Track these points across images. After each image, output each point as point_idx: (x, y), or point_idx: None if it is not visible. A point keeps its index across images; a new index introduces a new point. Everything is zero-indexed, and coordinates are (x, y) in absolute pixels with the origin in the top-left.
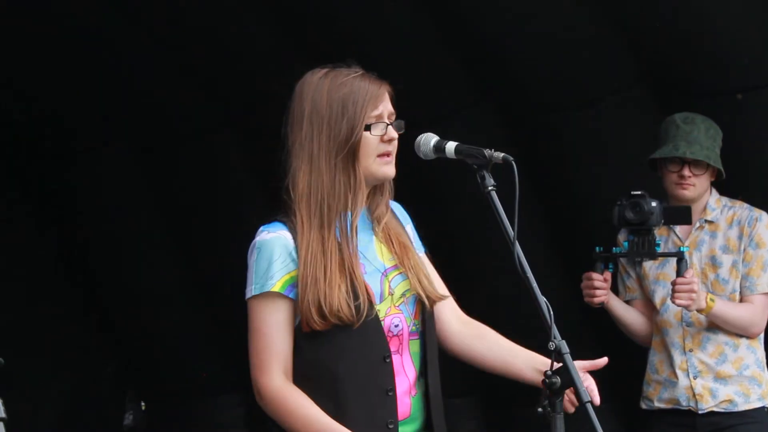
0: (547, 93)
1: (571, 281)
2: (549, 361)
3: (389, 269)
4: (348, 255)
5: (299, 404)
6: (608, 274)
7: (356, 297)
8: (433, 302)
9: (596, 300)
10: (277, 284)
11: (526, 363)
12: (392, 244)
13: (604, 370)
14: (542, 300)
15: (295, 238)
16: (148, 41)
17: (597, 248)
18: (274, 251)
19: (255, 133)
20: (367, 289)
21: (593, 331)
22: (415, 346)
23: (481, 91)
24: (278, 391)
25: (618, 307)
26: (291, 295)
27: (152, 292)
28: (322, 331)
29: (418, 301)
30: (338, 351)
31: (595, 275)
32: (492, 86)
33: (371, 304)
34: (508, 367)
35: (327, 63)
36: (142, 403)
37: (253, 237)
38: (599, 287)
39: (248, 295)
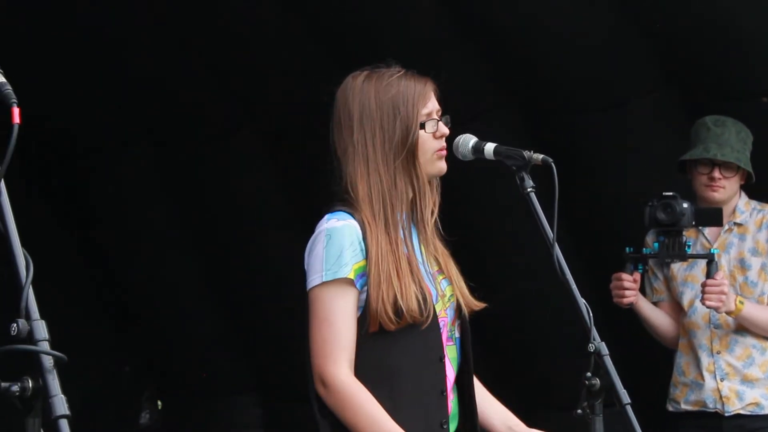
0: (573, 94)
1: (595, 282)
2: (521, 423)
3: (435, 273)
4: (412, 256)
5: (368, 401)
6: (638, 275)
7: (425, 297)
8: (470, 310)
9: (625, 301)
10: (350, 272)
11: (499, 418)
12: (433, 249)
13: (629, 371)
14: (581, 302)
15: (362, 230)
16: (169, 41)
17: (627, 249)
18: (345, 238)
19: (275, 134)
20: (428, 290)
21: (618, 332)
22: (452, 351)
23: (507, 92)
24: (347, 384)
25: (646, 308)
26: (358, 285)
27: (171, 292)
28: (388, 331)
29: (457, 308)
30: (403, 350)
31: (625, 276)
32: (518, 87)
33: (433, 304)
34: (481, 415)
35: (349, 65)
36: (159, 402)
37: (312, 229)
38: (629, 288)
39: (315, 282)
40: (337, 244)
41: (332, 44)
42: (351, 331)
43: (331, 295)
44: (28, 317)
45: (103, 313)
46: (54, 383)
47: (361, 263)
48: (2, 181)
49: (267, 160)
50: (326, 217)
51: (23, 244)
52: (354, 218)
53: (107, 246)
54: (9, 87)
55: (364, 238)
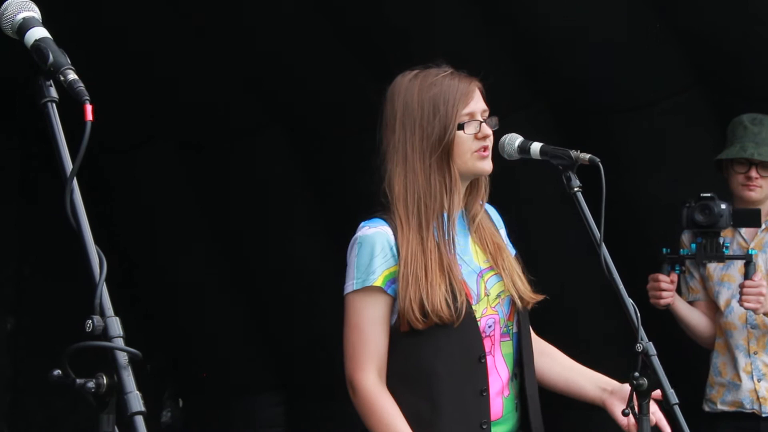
0: (602, 95)
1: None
2: (612, 381)
3: (484, 270)
4: (447, 255)
5: (387, 411)
6: (675, 276)
7: (455, 297)
8: (526, 303)
9: (662, 302)
10: (378, 279)
11: (590, 381)
12: (487, 244)
13: (665, 370)
14: (629, 302)
15: (395, 235)
16: (195, 40)
17: (664, 250)
18: (376, 246)
19: (302, 132)
20: (465, 290)
21: (652, 331)
22: (507, 347)
23: (535, 93)
24: (371, 391)
25: (682, 308)
26: (390, 291)
27: (193, 291)
28: (420, 330)
29: (512, 303)
30: (436, 350)
31: (662, 277)
32: (546, 88)
33: (469, 304)
34: (569, 385)
35: (376, 65)
36: (180, 401)
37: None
38: (665, 289)
39: (348, 290)
40: (368, 251)
41: (359, 44)
42: (380, 338)
43: (362, 303)
44: (102, 314)
45: (125, 311)
46: (129, 380)
47: (393, 269)
48: (75, 179)
49: (293, 159)
50: (361, 224)
51: (45, 243)
52: (387, 223)
53: (129, 245)
54: (81, 84)
55: (397, 243)
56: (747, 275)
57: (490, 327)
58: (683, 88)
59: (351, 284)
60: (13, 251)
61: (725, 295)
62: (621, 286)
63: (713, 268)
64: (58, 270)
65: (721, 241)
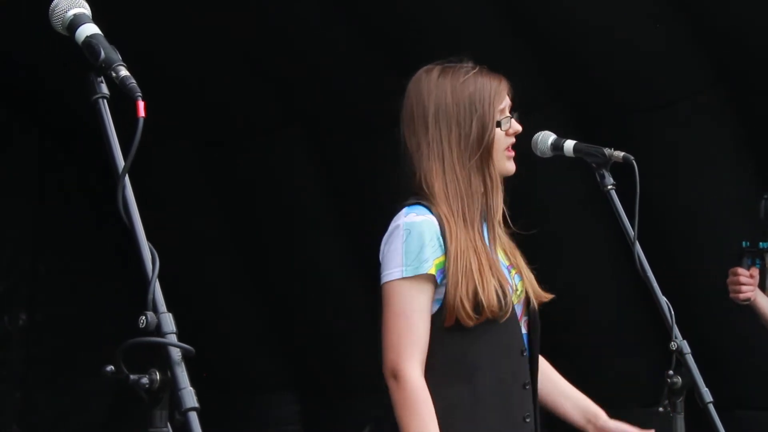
0: (622, 94)
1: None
2: (598, 410)
3: (508, 267)
4: (491, 253)
5: (429, 410)
6: (755, 270)
7: (504, 293)
8: (539, 303)
9: (741, 296)
10: (432, 267)
11: (576, 407)
12: (503, 243)
13: (706, 370)
14: (663, 300)
15: (441, 226)
16: (213, 40)
17: (743, 243)
18: (425, 234)
19: (318, 133)
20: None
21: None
22: None
23: (553, 92)
24: (417, 385)
25: (764, 304)
26: (438, 280)
27: (210, 290)
28: (465, 326)
29: (525, 302)
30: (481, 345)
31: (741, 270)
32: (566, 87)
33: (511, 298)
34: (556, 406)
35: (395, 63)
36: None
37: (388, 222)
38: (745, 283)
39: (394, 276)
40: (417, 239)
41: (378, 42)
42: (425, 329)
43: (410, 291)
44: (155, 310)
45: (141, 308)
46: (183, 376)
47: (441, 258)
48: (127, 176)
49: (310, 158)
50: (404, 210)
51: (60, 241)
52: (432, 213)
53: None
54: (133, 81)
55: (443, 234)
56: None
57: None
58: (706, 87)
59: (399, 271)
60: (29, 248)
61: None
62: (655, 284)
63: None
64: (71, 268)
65: None
